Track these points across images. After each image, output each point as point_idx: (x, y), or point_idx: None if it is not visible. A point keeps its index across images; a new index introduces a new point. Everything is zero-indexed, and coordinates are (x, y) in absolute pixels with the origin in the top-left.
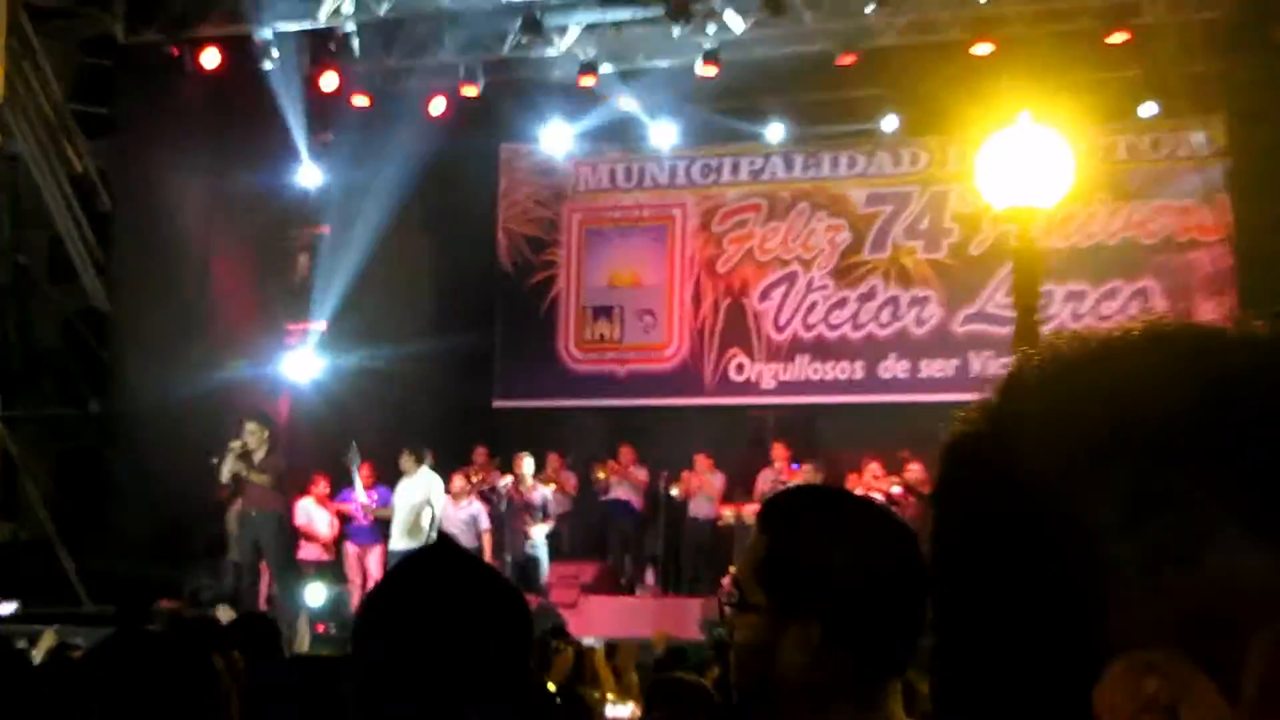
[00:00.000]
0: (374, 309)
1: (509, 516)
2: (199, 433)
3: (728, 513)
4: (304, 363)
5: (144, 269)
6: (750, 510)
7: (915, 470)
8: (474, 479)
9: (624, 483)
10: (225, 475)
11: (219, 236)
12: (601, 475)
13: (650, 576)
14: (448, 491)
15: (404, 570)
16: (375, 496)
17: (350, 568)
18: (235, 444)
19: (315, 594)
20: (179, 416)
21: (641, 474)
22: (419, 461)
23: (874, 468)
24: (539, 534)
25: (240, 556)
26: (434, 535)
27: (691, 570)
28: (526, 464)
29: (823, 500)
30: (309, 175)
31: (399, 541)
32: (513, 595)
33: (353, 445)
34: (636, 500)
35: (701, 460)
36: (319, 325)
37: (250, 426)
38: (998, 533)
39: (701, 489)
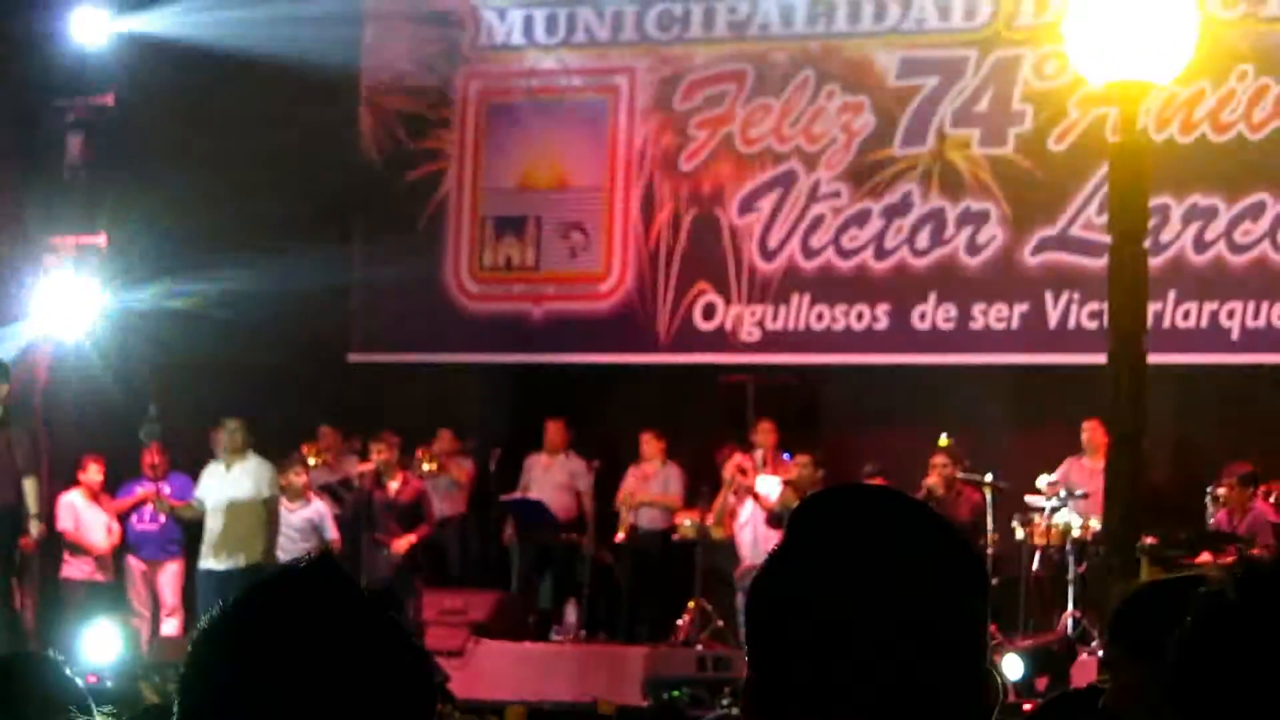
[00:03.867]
0: (178, 219)
1: (365, 521)
2: None
3: (687, 522)
4: (74, 295)
5: None
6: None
7: (939, 466)
8: (315, 466)
9: (551, 473)
10: None
11: None
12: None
13: (572, 613)
14: (281, 485)
15: (259, 603)
16: (169, 489)
17: (135, 592)
18: None
19: (88, 632)
20: None
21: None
22: (243, 441)
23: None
24: (403, 548)
25: None
26: (267, 548)
27: (632, 605)
28: (392, 447)
29: None
30: (86, 23)
31: (213, 558)
32: (417, 655)
33: (149, 412)
34: (558, 502)
35: (650, 443)
36: (96, 240)
37: None
38: None
39: (647, 487)
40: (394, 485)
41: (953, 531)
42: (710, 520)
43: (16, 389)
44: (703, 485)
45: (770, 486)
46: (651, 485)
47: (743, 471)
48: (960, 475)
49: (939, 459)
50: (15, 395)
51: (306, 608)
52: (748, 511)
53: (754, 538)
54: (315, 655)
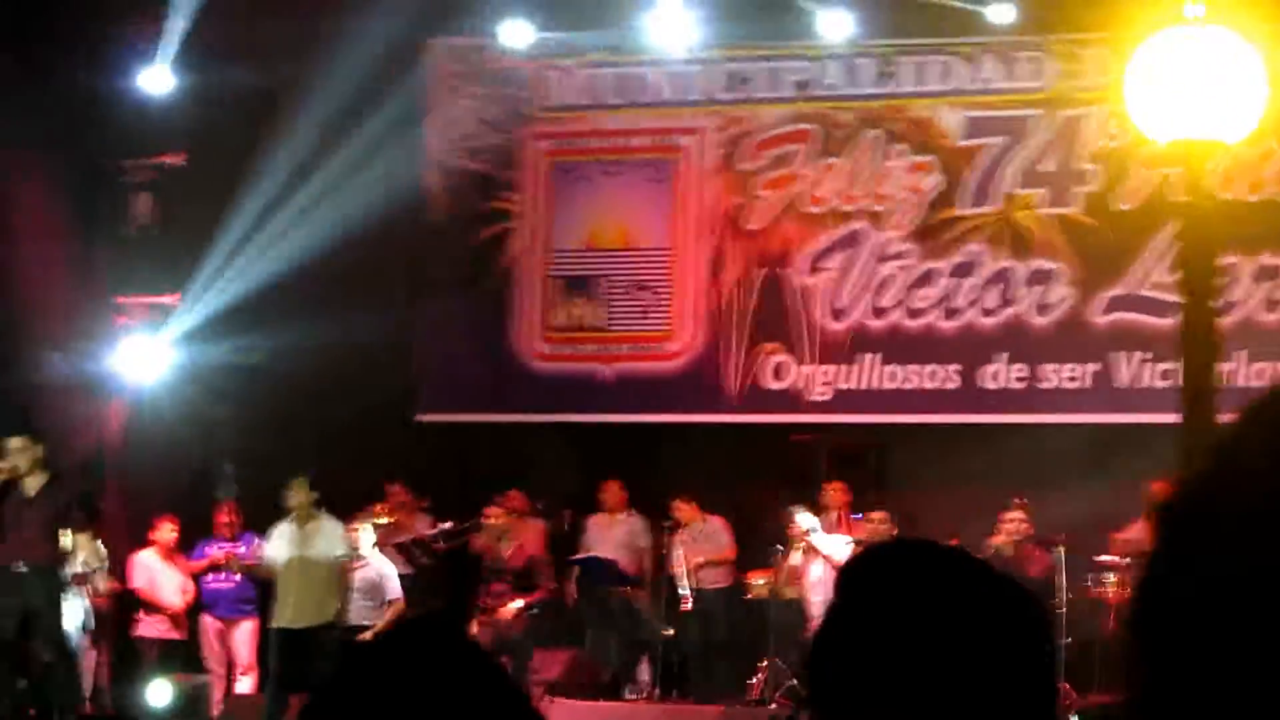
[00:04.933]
0: (247, 277)
1: (476, 584)
2: None
3: (759, 581)
4: (144, 354)
5: None
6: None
7: (1015, 520)
8: (386, 525)
9: (612, 532)
10: None
11: (14, 168)
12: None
13: (645, 672)
14: (352, 543)
15: (378, 662)
16: (243, 548)
17: (209, 649)
18: None
19: (160, 691)
20: None
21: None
22: (313, 500)
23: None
24: (513, 613)
25: None
26: (339, 608)
27: (703, 663)
28: (511, 509)
29: None
30: (154, 79)
31: (285, 616)
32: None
33: (225, 470)
34: (620, 561)
35: (682, 509)
36: (167, 299)
37: (15, 444)
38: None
39: (698, 549)
40: (507, 547)
41: (1015, 588)
42: (778, 580)
43: (89, 447)
44: (772, 545)
45: (838, 546)
46: (701, 546)
47: (805, 531)
48: (1029, 535)
49: (1010, 517)
50: (88, 453)
51: (423, 669)
52: (818, 571)
53: (826, 598)
54: (433, 716)
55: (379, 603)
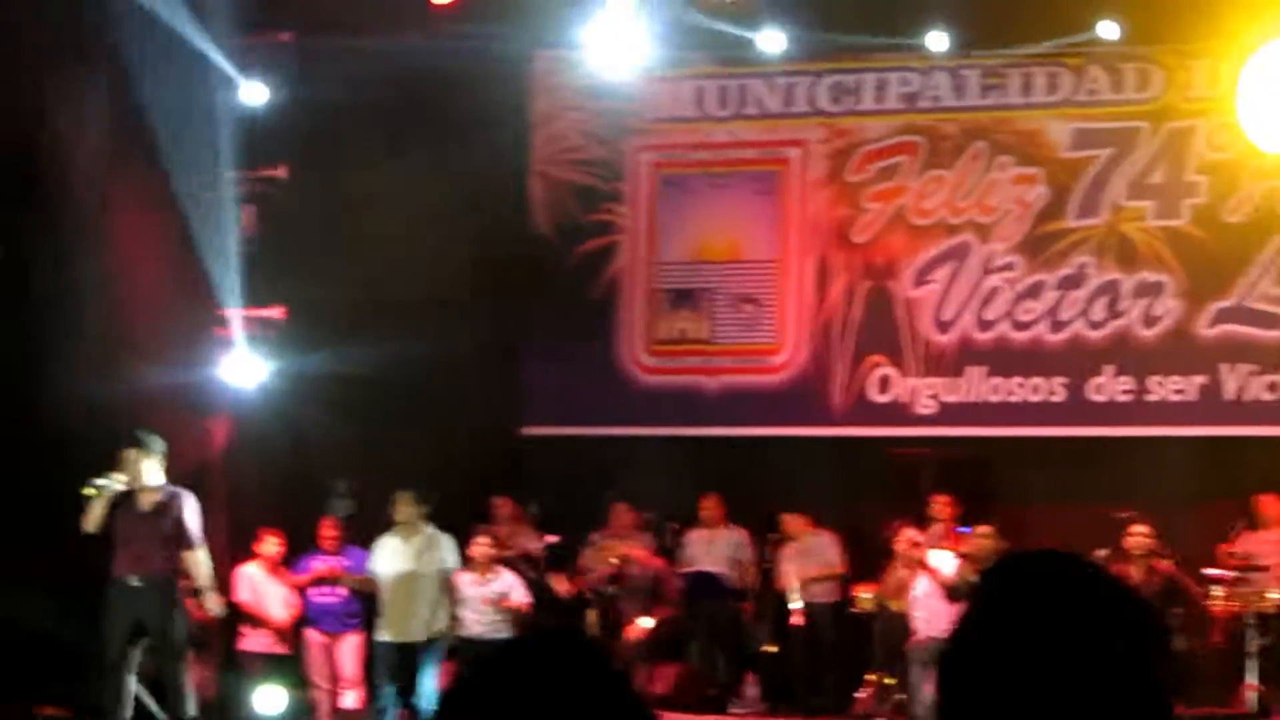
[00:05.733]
0: (352, 289)
1: (603, 601)
2: (84, 472)
3: (866, 595)
4: (248, 367)
5: (9, 224)
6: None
7: (1140, 535)
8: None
9: (714, 546)
10: (93, 524)
11: (120, 180)
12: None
13: (751, 687)
14: (467, 557)
15: (510, 673)
16: (347, 563)
17: (314, 664)
18: (107, 481)
19: (269, 699)
20: (57, 444)
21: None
22: (419, 513)
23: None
24: (641, 632)
25: (110, 646)
26: (448, 621)
27: (810, 678)
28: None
29: None
30: (256, 92)
31: (390, 630)
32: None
33: (340, 487)
34: (733, 574)
35: (793, 522)
36: (272, 312)
37: (129, 456)
38: None
39: (807, 563)
40: (631, 563)
41: (1144, 602)
42: (884, 593)
43: (195, 460)
44: (878, 559)
45: (944, 561)
46: (810, 560)
47: (915, 545)
48: (1153, 550)
49: (1138, 529)
50: (192, 466)
51: (556, 681)
52: (922, 585)
53: (928, 612)
54: None
55: (496, 616)
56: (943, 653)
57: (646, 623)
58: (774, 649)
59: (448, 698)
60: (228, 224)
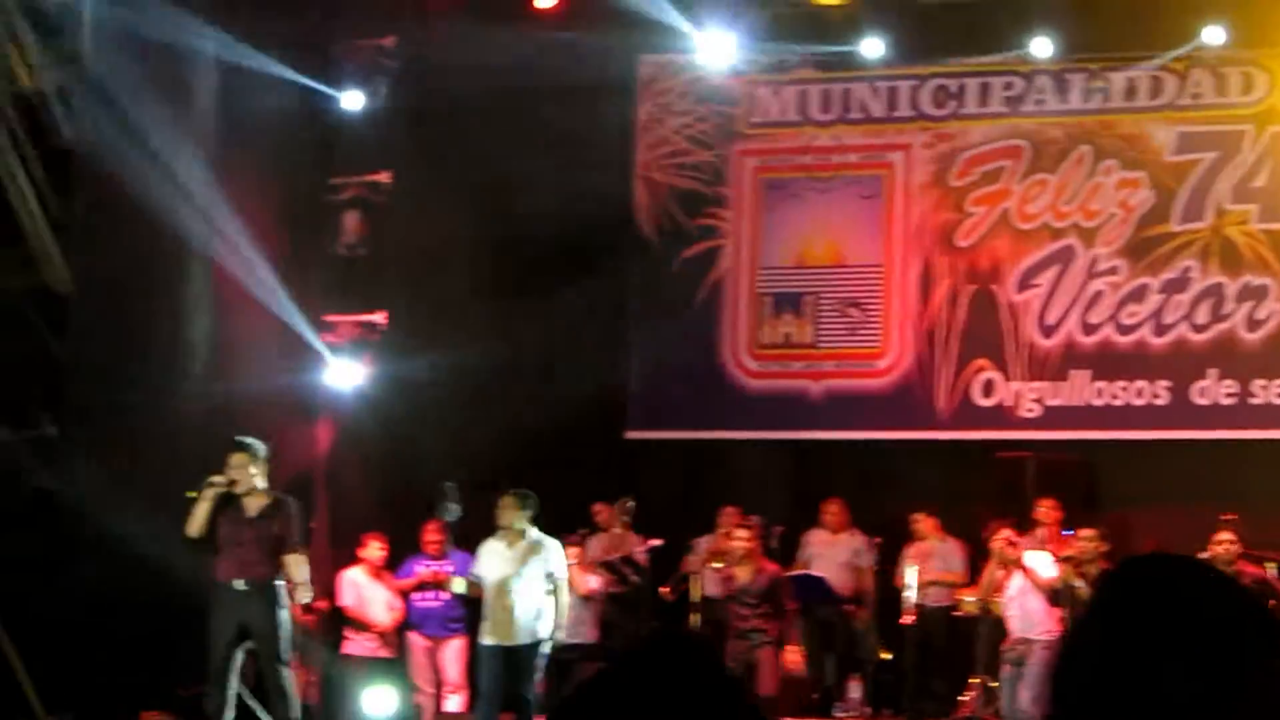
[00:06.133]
0: (455, 294)
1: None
2: (193, 472)
3: (970, 599)
4: (352, 371)
5: (118, 232)
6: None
7: (1225, 543)
8: (595, 542)
9: (834, 550)
10: (197, 528)
11: (225, 186)
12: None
13: (855, 690)
14: (572, 562)
15: (622, 683)
16: (451, 566)
17: (418, 668)
18: (215, 484)
19: (379, 700)
20: (166, 446)
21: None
22: (524, 516)
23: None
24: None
25: (215, 651)
26: (552, 626)
27: (916, 682)
28: (755, 531)
29: None
30: (359, 99)
31: (495, 634)
32: None
33: (448, 490)
34: (840, 579)
35: (923, 522)
36: (375, 318)
37: (236, 460)
38: None
39: (929, 565)
40: (746, 571)
41: (1261, 604)
42: (978, 594)
43: (298, 464)
44: (980, 562)
45: (1041, 562)
46: (933, 563)
47: (1012, 544)
48: (1240, 554)
49: (1220, 539)
50: (296, 471)
51: (676, 689)
52: (1016, 585)
53: (1022, 612)
54: None
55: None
56: (1057, 657)
57: (795, 656)
58: (887, 656)
59: (565, 704)
60: (331, 229)
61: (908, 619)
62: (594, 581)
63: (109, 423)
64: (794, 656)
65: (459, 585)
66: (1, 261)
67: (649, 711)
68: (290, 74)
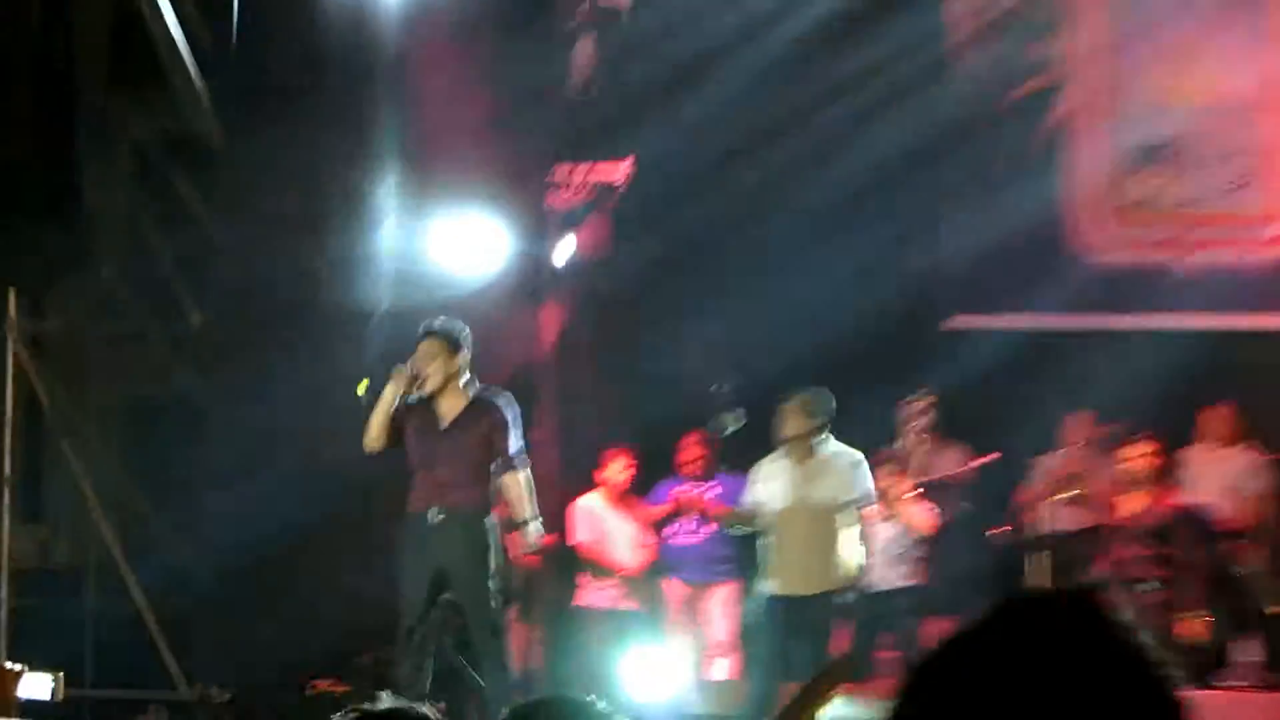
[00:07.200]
0: (710, 141)
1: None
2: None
3: None
4: (583, 242)
5: (276, 68)
6: None
7: None
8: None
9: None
10: (375, 440)
11: (422, 12)
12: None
13: (1248, 651)
14: (880, 483)
15: (989, 651)
16: (718, 491)
17: (674, 624)
18: (397, 376)
19: (643, 663)
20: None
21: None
22: (818, 426)
23: None
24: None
25: (407, 602)
26: (855, 569)
27: None
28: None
29: None
30: None
31: (779, 579)
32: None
33: (721, 392)
34: (1224, 508)
35: None
36: (613, 170)
37: (424, 348)
38: None
39: None
40: (1138, 499)
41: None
42: None
43: (517, 358)
44: None
45: None
46: None
47: None
48: None
49: None
50: (514, 367)
51: (1057, 657)
52: None
53: None
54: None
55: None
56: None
57: (1196, 625)
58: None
59: (914, 678)
60: (559, 62)
61: None
62: (935, 513)
63: (263, 308)
64: (1195, 625)
65: (731, 518)
66: (138, 106)
67: (1047, 698)
68: None
